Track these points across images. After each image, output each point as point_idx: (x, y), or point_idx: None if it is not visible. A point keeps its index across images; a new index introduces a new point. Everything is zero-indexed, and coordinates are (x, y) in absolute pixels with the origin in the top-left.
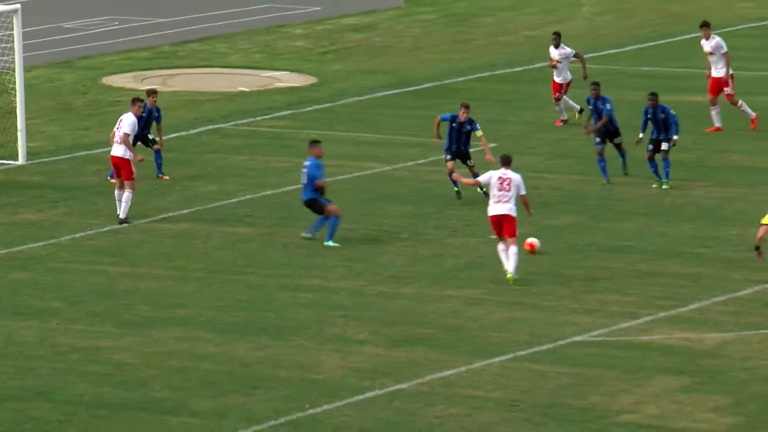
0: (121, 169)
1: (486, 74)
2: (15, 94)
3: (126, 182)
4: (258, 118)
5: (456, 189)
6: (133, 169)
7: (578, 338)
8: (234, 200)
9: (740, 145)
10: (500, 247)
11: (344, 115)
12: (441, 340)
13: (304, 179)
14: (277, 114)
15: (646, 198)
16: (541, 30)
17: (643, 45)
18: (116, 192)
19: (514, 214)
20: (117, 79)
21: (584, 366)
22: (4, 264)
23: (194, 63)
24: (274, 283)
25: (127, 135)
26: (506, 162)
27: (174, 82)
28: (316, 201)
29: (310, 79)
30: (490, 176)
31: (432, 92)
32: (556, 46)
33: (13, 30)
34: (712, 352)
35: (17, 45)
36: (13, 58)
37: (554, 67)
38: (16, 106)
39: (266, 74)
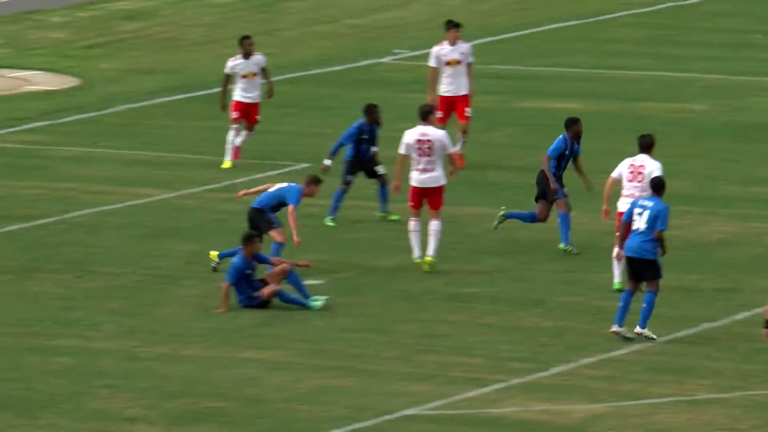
0: None
1: (297, 74)
2: None
3: None
4: (1, 132)
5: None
6: None
7: (410, 411)
8: None
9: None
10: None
11: (114, 127)
12: (235, 415)
13: None
14: (26, 126)
15: (498, 232)
16: (368, 18)
17: (497, 37)
18: None
19: None
20: None
21: None
22: None
23: None
24: (20, 344)
25: None
26: None
27: None
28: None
29: (71, 81)
30: None
31: None
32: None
33: None
34: (580, 428)
35: None
36: None
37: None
38: None
39: (12, 74)
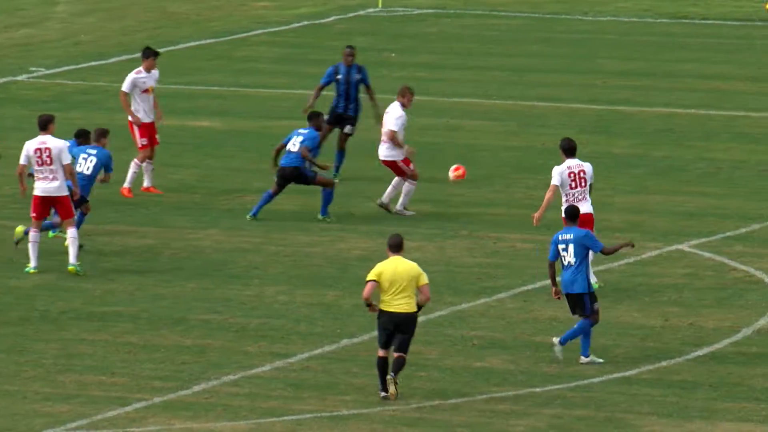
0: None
1: None
2: None
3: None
4: None
5: None
6: None
7: (51, 431)
8: None
9: (256, 183)
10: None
11: None
12: None
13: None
14: None
15: (135, 251)
16: (4, 36)
17: (134, 55)
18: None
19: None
20: None
21: None
22: None
23: None
24: None
25: None
26: None
27: None
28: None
29: None
30: None
31: None
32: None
33: None
34: None
35: None
36: None
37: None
38: None
39: None
